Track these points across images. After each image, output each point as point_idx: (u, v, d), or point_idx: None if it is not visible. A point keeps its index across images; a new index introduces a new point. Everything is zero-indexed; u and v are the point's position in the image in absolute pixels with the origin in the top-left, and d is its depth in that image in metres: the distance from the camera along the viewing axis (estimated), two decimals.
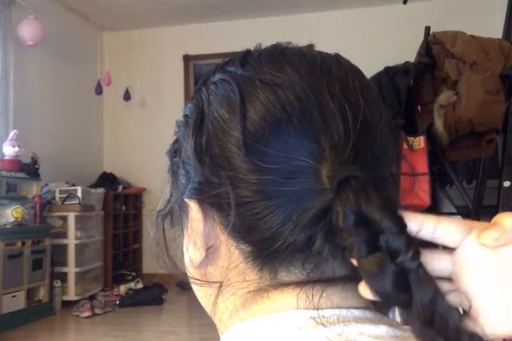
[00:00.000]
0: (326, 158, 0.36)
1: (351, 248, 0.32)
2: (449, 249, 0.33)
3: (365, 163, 0.37)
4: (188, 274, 0.44)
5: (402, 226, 0.32)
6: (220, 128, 0.39)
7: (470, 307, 0.32)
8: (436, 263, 0.33)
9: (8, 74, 4.20)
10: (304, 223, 0.36)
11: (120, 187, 5.26)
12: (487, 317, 0.31)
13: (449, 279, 0.34)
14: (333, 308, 0.37)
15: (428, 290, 0.30)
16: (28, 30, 4.21)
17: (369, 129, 0.38)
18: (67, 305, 4.09)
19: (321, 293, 0.37)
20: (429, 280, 0.31)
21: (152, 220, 0.46)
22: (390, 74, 2.96)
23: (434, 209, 3.25)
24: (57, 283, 4.08)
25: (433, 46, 2.84)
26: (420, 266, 0.31)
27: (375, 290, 0.31)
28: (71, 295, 4.21)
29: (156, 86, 5.60)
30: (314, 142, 0.36)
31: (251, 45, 0.44)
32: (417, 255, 0.31)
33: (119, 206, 5.16)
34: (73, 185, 4.61)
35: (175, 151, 0.44)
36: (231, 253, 0.40)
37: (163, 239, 0.45)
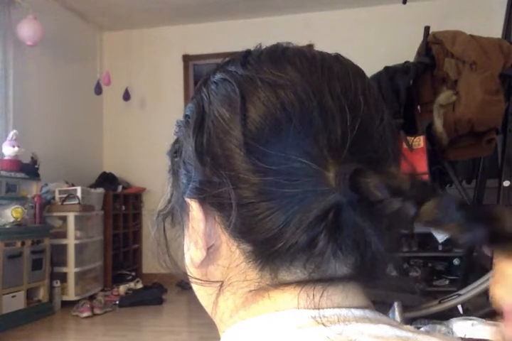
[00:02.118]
0: (324, 159, 0.36)
1: (403, 210, 0.32)
2: None
3: (361, 164, 0.36)
4: (189, 274, 0.44)
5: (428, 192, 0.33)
6: (221, 128, 0.39)
7: None
8: None
9: (7, 74, 4.21)
10: (306, 224, 0.36)
11: (120, 187, 5.26)
12: None
13: None
14: (333, 308, 0.37)
15: None
16: (27, 30, 4.21)
17: (368, 131, 0.38)
18: (67, 305, 4.09)
19: (322, 293, 0.37)
20: None
21: (153, 220, 0.46)
22: (389, 73, 2.96)
23: None
24: (57, 283, 4.08)
25: (432, 46, 2.84)
26: None
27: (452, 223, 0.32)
28: (71, 295, 4.21)
29: (156, 86, 5.60)
30: (313, 143, 0.36)
31: (250, 45, 0.44)
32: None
33: (119, 206, 5.16)
34: (73, 185, 4.61)
35: (175, 151, 0.44)
36: (232, 253, 0.40)
37: (163, 239, 0.45)
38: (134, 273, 5.15)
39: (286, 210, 0.36)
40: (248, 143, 0.37)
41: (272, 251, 0.37)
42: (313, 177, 0.35)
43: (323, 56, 0.41)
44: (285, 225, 0.37)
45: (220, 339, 0.41)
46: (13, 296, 3.56)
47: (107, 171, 5.49)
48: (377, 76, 2.98)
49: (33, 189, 4.10)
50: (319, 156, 0.36)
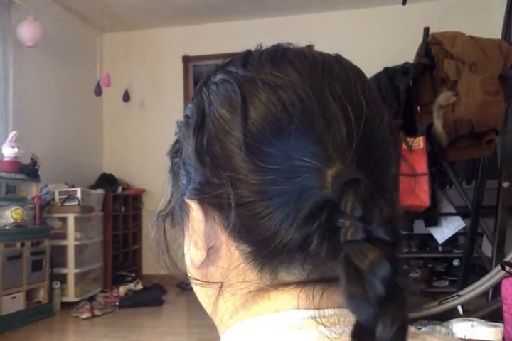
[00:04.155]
0: (328, 158, 0.35)
1: (348, 230, 0.31)
2: None
3: (367, 164, 0.37)
4: (189, 275, 0.44)
5: (395, 237, 0.31)
6: (221, 129, 0.39)
7: None
8: None
9: (7, 76, 4.21)
10: (300, 221, 0.36)
11: (120, 188, 5.26)
12: None
13: None
14: (333, 308, 0.37)
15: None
16: (27, 31, 4.21)
17: (371, 130, 0.38)
18: (67, 306, 4.09)
19: (322, 293, 0.37)
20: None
21: (153, 221, 0.46)
22: (389, 74, 2.97)
23: (433, 209, 3.25)
24: (57, 284, 4.08)
25: (432, 47, 2.85)
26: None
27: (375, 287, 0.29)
28: (70, 296, 4.21)
29: (156, 87, 5.60)
30: (316, 142, 0.36)
31: (251, 46, 0.44)
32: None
33: (119, 207, 5.15)
34: (73, 186, 4.61)
35: (175, 152, 0.44)
36: (231, 254, 0.40)
37: (163, 240, 0.45)
38: (133, 274, 5.15)
39: (283, 208, 0.36)
40: (248, 144, 0.37)
41: (269, 250, 0.37)
42: (312, 174, 0.35)
43: (324, 57, 0.41)
44: (282, 223, 0.36)
45: (220, 340, 0.41)
46: (12, 297, 3.56)
47: (107, 172, 5.49)
48: (377, 77, 2.99)
49: (32, 190, 4.10)
50: (323, 155, 0.36)
